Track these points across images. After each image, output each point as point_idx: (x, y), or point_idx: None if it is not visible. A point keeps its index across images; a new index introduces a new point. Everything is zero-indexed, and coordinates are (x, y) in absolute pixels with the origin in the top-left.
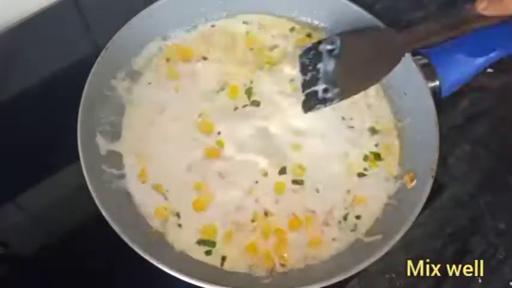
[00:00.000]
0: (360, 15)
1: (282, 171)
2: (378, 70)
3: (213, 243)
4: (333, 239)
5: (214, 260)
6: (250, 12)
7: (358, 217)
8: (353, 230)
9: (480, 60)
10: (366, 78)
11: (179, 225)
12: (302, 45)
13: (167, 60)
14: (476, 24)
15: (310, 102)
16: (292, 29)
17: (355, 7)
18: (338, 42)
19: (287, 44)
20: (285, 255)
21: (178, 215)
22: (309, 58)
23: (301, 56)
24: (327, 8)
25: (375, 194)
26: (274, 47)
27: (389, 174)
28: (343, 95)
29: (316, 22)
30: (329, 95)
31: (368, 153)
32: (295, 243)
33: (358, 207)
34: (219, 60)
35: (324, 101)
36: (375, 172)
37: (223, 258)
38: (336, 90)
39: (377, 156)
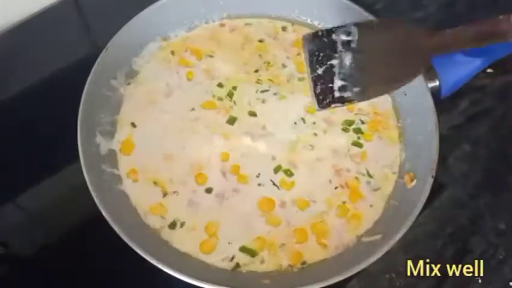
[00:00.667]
0: (361, 15)
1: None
2: (403, 71)
3: (255, 252)
4: (371, 206)
5: (226, 266)
6: (251, 13)
7: (370, 175)
8: (376, 190)
9: (480, 60)
10: (389, 79)
11: (182, 225)
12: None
13: (173, 53)
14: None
15: (326, 100)
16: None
17: (355, 7)
18: (356, 32)
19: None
20: (326, 241)
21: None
22: (320, 48)
23: (307, 44)
24: (327, 8)
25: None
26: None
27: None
28: (363, 95)
29: (316, 22)
30: (348, 93)
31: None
32: (334, 228)
33: (366, 163)
34: (224, 59)
35: (342, 100)
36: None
37: (237, 265)
38: (356, 89)
39: (358, 130)
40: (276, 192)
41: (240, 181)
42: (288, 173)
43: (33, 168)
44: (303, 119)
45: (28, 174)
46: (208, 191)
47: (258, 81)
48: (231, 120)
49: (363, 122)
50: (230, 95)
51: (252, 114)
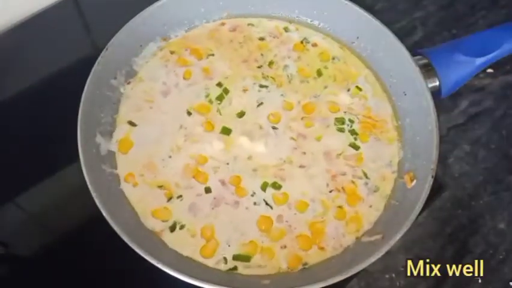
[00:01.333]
0: (360, 15)
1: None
2: None
3: (248, 258)
4: (370, 206)
5: (224, 266)
6: (250, 13)
7: (367, 177)
8: (375, 191)
9: (480, 60)
10: None
11: (181, 228)
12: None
13: (172, 52)
14: None
15: None
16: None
17: (355, 7)
18: None
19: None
20: (322, 244)
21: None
22: None
23: None
24: (327, 8)
25: (374, 156)
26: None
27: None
28: None
29: (316, 22)
30: None
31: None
32: (333, 231)
33: (363, 165)
34: (225, 57)
35: None
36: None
37: (235, 268)
38: None
39: (353, 131)
40: (270, 210)
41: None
42: (277, 185)
43: (33, 168)
44: (295, 119)
45: (28, 174)
46: (207, 190)
47: (264, 77)
48: (225, 130)
49: (352, 121)
50: (220, 98)
51: (242, 114)
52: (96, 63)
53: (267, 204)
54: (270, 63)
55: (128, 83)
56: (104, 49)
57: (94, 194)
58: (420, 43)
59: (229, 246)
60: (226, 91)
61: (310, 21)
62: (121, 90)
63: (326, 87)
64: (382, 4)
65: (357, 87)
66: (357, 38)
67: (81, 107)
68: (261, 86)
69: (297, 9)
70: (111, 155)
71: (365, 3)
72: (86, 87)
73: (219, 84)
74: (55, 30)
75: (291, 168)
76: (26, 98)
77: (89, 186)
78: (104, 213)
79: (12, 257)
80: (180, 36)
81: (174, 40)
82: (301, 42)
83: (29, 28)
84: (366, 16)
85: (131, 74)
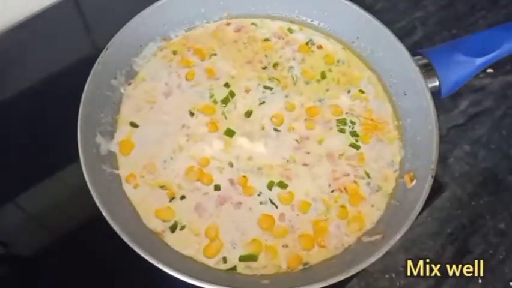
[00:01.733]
0: (360, 15)
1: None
2: None
3: (255, 257)
4: (372, 205)
5: (224, 266)
6: (250, 13)
7: (370, 177)
8: (378, 191)
9: (480, 60)
10: None
11: (182, 228)
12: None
13: (174, 53)
14: None
15: None
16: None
17: (355, 7)
18: None
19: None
20: (324, 242)
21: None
22: None
23: None
24: (327, 8)
25: (376, 156)
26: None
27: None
28: None
29: (316, 22)
30: None
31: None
32: (335, 230)
33: (365, 165)
34: (227, 57)
35: None
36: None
37: (234, 268)
38: None
39: (354, 134)
40: (275, 209)
41: (244, 192)
42: (283, 184)
43: (33, 168)
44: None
45: (28, 174)
46: (217, 188)
47: (270, 78)
48: (229, 132)
49: (353, 123)
50: (225, 101)
51: (249, 113)
52: (96, 63)
53: (272, 203)
54: (275, 65)
55: (129, 84)
56: (104, 49)
57: (94, 194)
58: (420, 43)
59: (234, 248)
60: (232, 94)
61: (311, 21)
62: (121, 90)
63: (327, 90)
64: (382, 4)
65: (360, 90)
66: (357, 38)
67: (81, 107)
68: (266, 88)
69: (297, 9)
70: (111, 155)
71: (365, 3)
72: (86, 87)
73: (226, 85)
74: (55, 30)
75: (296, 167)
76: (26, 98)
77: (89, 186)
78: (104, 213)
79: (12, 257)
80: (180, 36)
81: (175, 40)
82: (307, 43)
83: (29, 28)
84: (366, 16)
85: (131, 74)
